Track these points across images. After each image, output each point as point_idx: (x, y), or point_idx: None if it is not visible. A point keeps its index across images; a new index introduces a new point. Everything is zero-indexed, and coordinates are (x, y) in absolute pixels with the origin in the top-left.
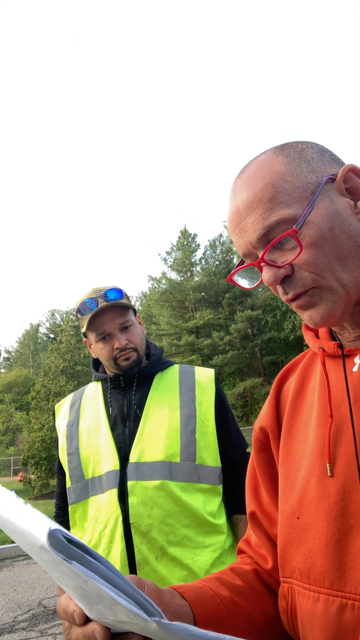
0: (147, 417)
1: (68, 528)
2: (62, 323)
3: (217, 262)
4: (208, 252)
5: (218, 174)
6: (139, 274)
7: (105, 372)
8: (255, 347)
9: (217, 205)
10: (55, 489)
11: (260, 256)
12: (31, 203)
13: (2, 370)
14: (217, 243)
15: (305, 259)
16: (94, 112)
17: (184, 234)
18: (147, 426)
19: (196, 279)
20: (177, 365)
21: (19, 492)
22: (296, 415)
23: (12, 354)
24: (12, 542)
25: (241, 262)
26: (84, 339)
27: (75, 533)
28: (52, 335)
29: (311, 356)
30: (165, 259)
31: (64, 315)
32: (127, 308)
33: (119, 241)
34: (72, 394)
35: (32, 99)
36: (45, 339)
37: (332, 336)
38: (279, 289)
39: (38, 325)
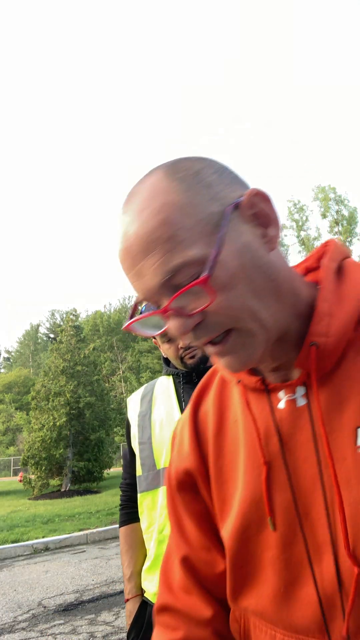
0: None
1: (135, 520)
2: (62, 323)
3: None
4: None
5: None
6: None
7: (176, 368)
8: None
9: None
10: (55, 489)
11: (164, 305)
12: (31, 203)
13: (2, 370)
14: None
15: (218, 304)
16: (95, 108)
17: None
18: None
19: None
20: None
21: (19, 492)
22: (222, 455)
23: (12, 354)
24: (12, 542)
25: (136, 307)
26: (153, 339)
27: (143, 521)
28: (52, 335)
29: (223, 378)
30: None
31: (64, 315)
32: None
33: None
34: (143, 387)
35: (34, 100)
36: (45, 339)
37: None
38: (189, 335)
39: (38, 325)
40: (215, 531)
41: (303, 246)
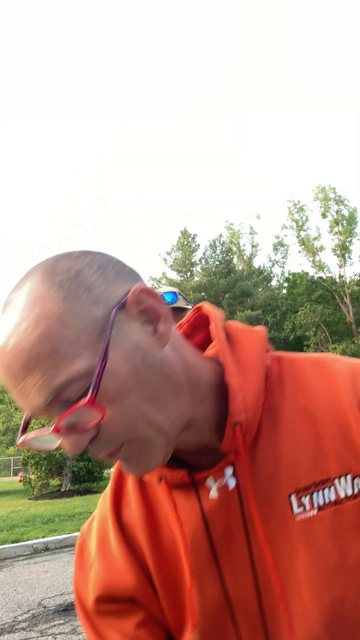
0: None
1: None
2: None
3: (217, 262)
4: (208, 252)
5: (218, 174)
6: (138, 273)
7: None
8: None
9: (217, 205)
10: (55, 489)
11: (54, 425)
12: (31, 203)
13: None
14: (217, 243)
15: (110, 417)
16: (96, 111)
17: (184, 234)
18: None
19: (196, 279)
20: None
21: (19, 492)
22: (163, 562)
23: None
24: (12, 542)
25: (27, 423)
26: None
27: None
28: None
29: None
30: (165, 259)
31: None
32: (183, 309)
33: (119, 241)
34: None
35: (34, 103)
36: None
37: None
38: (88, 448)
39: None
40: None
41: (303, 246)
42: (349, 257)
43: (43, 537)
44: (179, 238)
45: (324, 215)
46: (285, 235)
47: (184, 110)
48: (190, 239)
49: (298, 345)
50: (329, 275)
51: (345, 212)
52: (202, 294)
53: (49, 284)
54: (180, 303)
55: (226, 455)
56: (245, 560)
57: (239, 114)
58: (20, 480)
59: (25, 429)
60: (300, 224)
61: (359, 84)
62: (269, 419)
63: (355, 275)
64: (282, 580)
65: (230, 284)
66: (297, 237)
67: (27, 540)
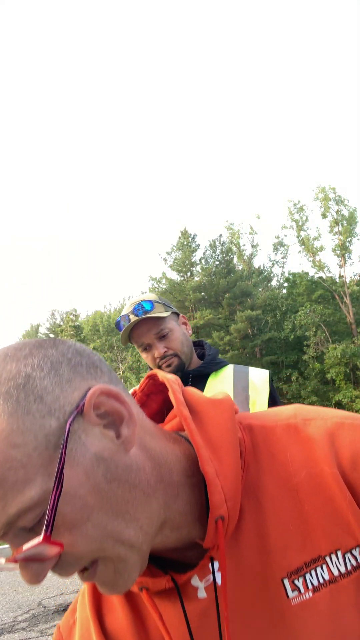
0: None
1: None
2: (62, 323)
3: (217, 262)
4: (208, 252)
5: (218, 175)
6: (139, 274)
7: None
8: (255, 347)
9: (217, 205)
10: None
11: (11, 556)
12: (31, 203)
13: None
14: (217, 243)
15: (72, 543)
16: (95, 112)
17: (184, 234)
18: None
19: (196, 279)
20: (232, 365)
21: None
22: None
23: None
24: None
25: None
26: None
27: None
28: (52, 335)
29: None
30: (165, 259)
31: (64, 315)
32: (160, 318)
33: (119, 241)
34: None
35: (33, 100)
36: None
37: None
38: (54, 571)
39: (38, 325)
40: None
41: (303, 246)
42: (349, 257)
43: None
44: (179, 238)
45: (324, 215)
46: (285, 235)
47: (184, 109)
48: (190, 239)
49: (298, 345)
50: (329, 275)
51: (345, 212)
52: (202, 294)
53: None
54: (158, 309)
55: (209, 550)
56: None
57: (239, 113)
58: None
59: None
60: (300, 224)
61: (359, 84)
62: (250, 500)
63: (355, 275)
64: None
65: (230, 284)
66: (297, 237)
67: None
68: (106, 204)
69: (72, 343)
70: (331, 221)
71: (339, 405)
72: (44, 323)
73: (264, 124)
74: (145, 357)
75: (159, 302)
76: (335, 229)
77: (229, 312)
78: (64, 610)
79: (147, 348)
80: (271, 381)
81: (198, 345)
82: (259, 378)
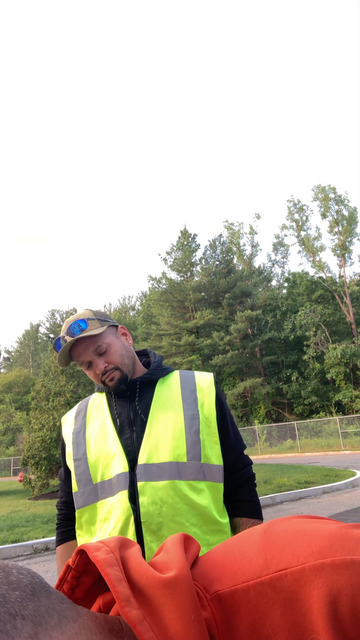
0: (152, 421)
1: (71, 538)
2: (62, 323)
3: (217, 262)
4: (208, 252)
5: (218, 175)
6: (139, 274)
7: None
8: (255, 347)
9: (217, 205)
10: (55, 489)
11: None
12: (31, 203)
13: (2, 370)
14: (217, 243)
15: None
16: (96, 112)
17: (184, 234)
18: (153, 430)
19: (196, 279)
20: (177, 370)
21: (19, 492)
22: None
23: (12, 354)
24: (12, 542)
25: None
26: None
27: (81, 537)
28: (52, 335)
29: None
30: (165, 259)
31: (64, 315)
32: (96, 335)
33: (119, 241)
34: (77, 405)
35: (34, 101)
36: (45, 339)
37: None
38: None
39: (38, 325)
40: None
41: (303, 246)
42: (349, 257)
43: (43, 537)
44: (179, 238)
45: (324, 215)
46: (285, 235)
47: (184, 109)
48: (190, 239)
49: (298, 345)
50: (329, 275)
51: (345, 212)
52: (202, 294)
53: None
54: (93, 326)
55: None
56: None
57: (239, 113)
58: (20, 480)
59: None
60: (300, 224)
61: (359, 84)
62: None
63: (355, 275)
64: None
65: (230, 284)
66: (297, 237)
67: (27, 540)
68: (106, 204)
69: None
70: (331, 221)
71: (339, 405)
72: (44, 323)
73: (264, 123)
74: (89, 374)
75: (94, 319)
76: (335, 229)
77: (229, 312)
78: None
79: (89, 365)
80: (216, 383)
81: (143, 354)
82: (204, 380)
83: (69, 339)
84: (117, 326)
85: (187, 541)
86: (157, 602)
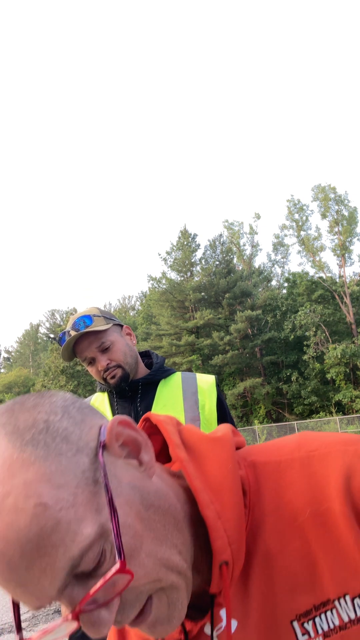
0: None
1: None
2: (62, 323)
3: (217, 262)
4: (208, 252)
5: (218, 175)
6: (139, 274)
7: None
8: (255, 347)
9: (217, 205)
10: None
11: (74, 605)
12: (31, 203)
13: (2, 370)
14: (217, 243)
15: (135, 577)
16: (96, 113)
17: (184, 234)
18: None
19: (196, 279)
20: (179, 372)
21: None
22: None
23: (12, 354)
24: None
25: (17, 613)
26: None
27: None
28: (52, 335)
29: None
30: (165, 259)
31: (64, 315)
32: (100, 331)
33: (119, 241)
34: None
35: (35, 101)
36: (45, 339)
37: None
38: (117, 619)
39: (38, 325)
40: None
41: (303, 246)
42: (349, 257)
43: None
44: (179, 238)
45: (324, 215)
46: (286, 235)
47: (184, 109)
48: (190, 239)
49: (298, 345)
50: (329, 275)
51: (345, 212)
52: (202, 294)
53: (19, 445)
54: (99, 323)
55: (214, 600)
56: None
57: (239, 113)
58: None
59: (20, 628)
60: (300, 224)
61: (359, 83)
62: (255, 542)
63: (355, 275)
64: None
65: (230, 284)
66: (297, 237)
67: None
68: (106, 204)
69: (63, 392)
70: (331, 221)
71: (339, 405)
72: (44, 323)
73: (264, 123)
74: (91, 371)
75: (99, 316)
76: (335, 229)
77: (229, 312)
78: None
79: (91, 362)
80: (217, 385)
81: (145, 355)
82: (206, 383)
83: (73, 333)
84: (122, 325)
85: (235, 431)
86: (202, 452)
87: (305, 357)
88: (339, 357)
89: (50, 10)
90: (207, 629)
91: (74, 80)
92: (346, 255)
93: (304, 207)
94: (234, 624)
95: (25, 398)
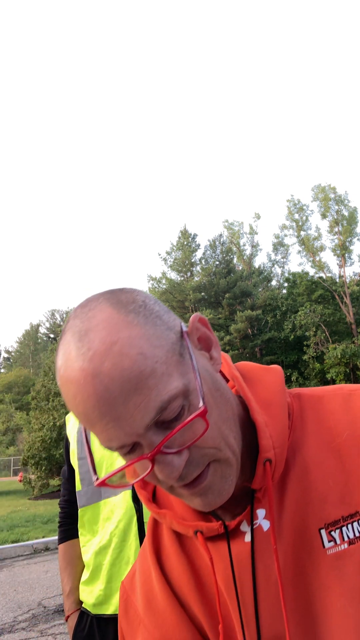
0: None
1: (73, 536)
2: (62, 323)
3: (217, 262)
4: (208, 252)
5: (218, 175)
6: (139, 274)
7: None
8: (255, 347)
9: (217, 205)
10: (56, 489)
11: (154, 446)
12: (31, 203)
13: (2, 370)
14: (217, 243)
15: (205, 434)
16: (96, 113)
17: (184, 234)
18: None
19: (196, 279)
20: None
21: (19, 492)
22: (211, 611)
23: (12, 354)
24: (12, 542)
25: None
26: None
27: (83, 535)
28: (52, 335)
29: (170, 534)
30: (165, 259)
31: (64, 315)
32: None
33: (119, 241)
34: None
35: (35, 100)
36: (45, 339)
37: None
38: (182, 472)
39: (38, 325)
40: None
41: (303, 246)
42: (349, 257)
43: (43, 537)
44: (179, 238)
45: (324, 215)
46: (286, 235)
47: (184, 109)
48: (190, 239)
49: (298, 345)
50: (329, 275)
51: (345, 212)
52: (202, 294)
53: (124, 312)
54: None
55: (254, 496)
56: (278, 601)
57: (239, 113)
58: (20, 480)
59: (95, 471)
60: (300, 224)
61: (359, 83)
62: (294, 457)
63: (355, 275)
64: (314, 617)
65: (230, 284)
66: (297, 237)
67: (27, 540)
68: (106, 204)
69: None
70: (331, 221)
71: None
72: (44, 323)
73: (264, 123)
74: None
75: None
76: (335, 229)
77: (229, 312)
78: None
79: None
80: None
81: None
82: None
83: None
84: None
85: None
86: (255, 375)
87: (305, 357)
88: (339, 357)
89: (50, 7)
90: (243, 526)
91: (75, 81)
92: (346, 255)
93: (304, 207)
94: (266, 524)
95: (122, 288)
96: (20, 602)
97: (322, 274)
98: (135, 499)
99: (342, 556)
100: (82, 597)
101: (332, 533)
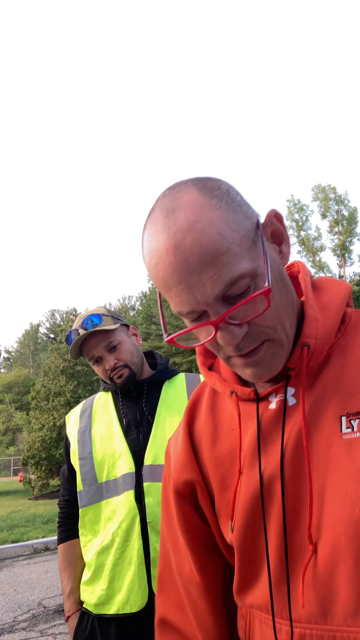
0: (158, 423)
1: (74, 536)
2: (62, 323)
3: None
4: None
5: (217, 174)
6: (139, 274)
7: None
8: None
9: None
10: (56, 489)
11: (220, 315)
12: (31, 203)
13: (2, 370)
14: None
15: (264, 314)
16: (95, 113)
17: None
18: (159, 431)
19: None
20: (183, 373)
21: (19, 492)
22: (222, 463)
23: (12, 354)
24: (12, 542)
25: (165, 324)
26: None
27: (84, 535)
28: (52, 335)
29: (213, 391)
30: None
31: (64, 315)
32: (109, 331)
33: (119, 241)
34: (81, 403)
35: (35, 99)
36: (45, 339)
37: (238, 377)
38: (231, 347)
39: (38, 325)
40: (208, 548)
41: (303, 246)
42: (349, 257)
43: (43, 537)
44: None
45: (324, 215)
46: None
47: (184, 108)
48: None
49: None
50: (329, 275)
51: (345, 212)
52: None
53: (209, 196)
54: (107, 322)
55: (288, 375)
56: (302, 464)
57: (239, 113)
58: (20, 480)
59: (165, 326)
60: (300, 224)
61: (359, 83)
62: (338, 355)
63: (355, 275)
64: (317, 490)
65: None
66: (297, 237)
67: (27, 540)
68: (106, 204)
69: None
70: (331, 221)
71: None
72: (44, 323)
73: (264, 123)
74: (97, 370)
75: (108, 315)
76: (335, 229)
77: None
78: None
79: (97, 360)
80: None
81: (149, 355)
82: None
83: (82, 332)
84: (128, 326)
85: None
86: (322, 285)
87: None
88: None
89: (50, 5)
90: (271, 397)
91: (76, 81)
92: (346, 255)
93: (304, 207)
94: (292, 400)
95: (209, 176)
96: (20, 602)
97: (322, 274)
98: (138, 499)
99: (355, 442)
100: (83, 597)
101: (352, 421)
